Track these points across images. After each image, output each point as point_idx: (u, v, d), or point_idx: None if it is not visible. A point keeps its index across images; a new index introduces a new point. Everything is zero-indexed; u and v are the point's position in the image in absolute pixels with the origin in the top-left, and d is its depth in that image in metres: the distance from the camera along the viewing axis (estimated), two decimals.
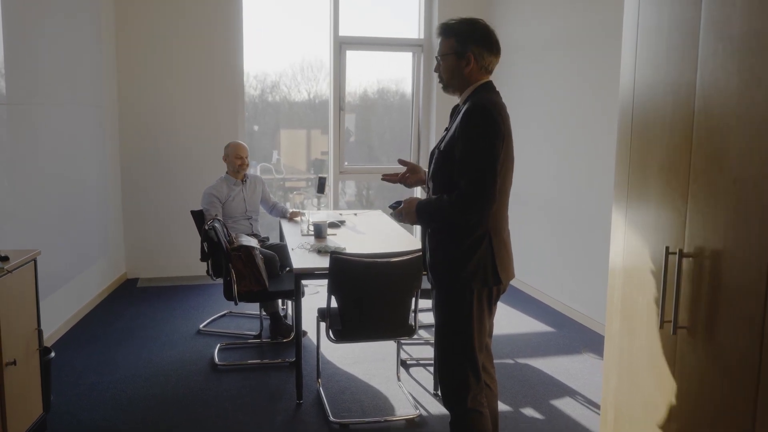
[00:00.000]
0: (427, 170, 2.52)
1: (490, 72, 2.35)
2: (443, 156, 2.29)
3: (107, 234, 5.43)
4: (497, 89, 2.36)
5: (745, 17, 1.60)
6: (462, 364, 2.34)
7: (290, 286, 3.95)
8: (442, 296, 2.35)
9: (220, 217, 4.37)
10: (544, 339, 4.49)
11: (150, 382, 3.70)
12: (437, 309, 2.39)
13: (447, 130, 2.36)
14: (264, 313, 4.48)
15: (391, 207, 2.47)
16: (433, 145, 2.48)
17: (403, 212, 2.39)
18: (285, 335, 4.34)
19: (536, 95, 5.44)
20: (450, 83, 2.37)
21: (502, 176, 2.26)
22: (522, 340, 4.47)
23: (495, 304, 2.40)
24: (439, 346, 2.41)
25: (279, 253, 4.35)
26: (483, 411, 2.37)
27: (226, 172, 4.69)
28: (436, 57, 2.42)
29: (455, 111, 2.39)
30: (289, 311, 4.81)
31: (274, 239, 4.96)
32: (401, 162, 2.68)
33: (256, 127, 6.73)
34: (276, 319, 4.37)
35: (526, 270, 5.60)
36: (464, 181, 2.18)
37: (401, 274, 3.12)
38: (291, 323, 4.45)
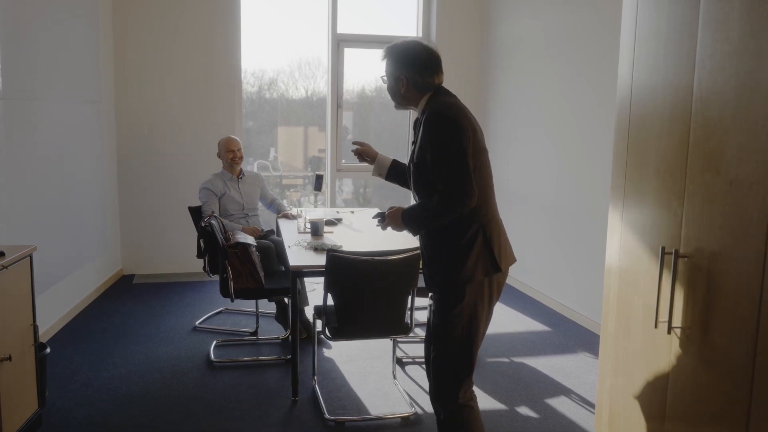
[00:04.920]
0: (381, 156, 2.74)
1: (432, 87, 2.42)
2: (418, 167, 2.37)
3: (104, 230, 5.42)
4: (452, 91, 2.45)
5: (744, 19, 1.61)
6: (459, 360, 2.36)
7: (287, 283, 3.95)
8: (443, 297, 2.36)
9: (217, 213, 4.37)
10: (540, 338, 4.50)
11: (145, 378, 3.70)
12: (437, 308, 2.39)
13: (414, 143, 2.44)
14: (272, 302, 4.47)
15: (375, 218, 2.57)
16: None
17: (389, 223, 2.49)
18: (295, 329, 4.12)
19: (534, 94, 5.44)
20: (395, 101, 2.50)
21: (479, 168, 2.32)
22: (518, 338, 4.48)
23: (495, 299, 2.41)
24: (438, 343, 2.40)
25: (275, 247, 4.34)
26: (474, 406, 2.41)
27: (222, 168, 4.70)
28: (381, 77, 2.52)
29: (417, 123, 2.47)
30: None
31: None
32: (356, 145, 2.80)
33: (250, 123, 6.72)
34: (282, 308, 4.36)
35: (523, 269, 5.61)
36: (442, 186, 2.26)
37: (398, 272, 3.12)
38: (308, 321, 4.35)
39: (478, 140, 2.35)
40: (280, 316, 4.39)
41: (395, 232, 2.54)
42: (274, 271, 4.21)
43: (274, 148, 6.78)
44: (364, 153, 2.76)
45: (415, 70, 2.38)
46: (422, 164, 2.33)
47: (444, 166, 2.25)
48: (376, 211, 5.04)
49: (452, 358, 2.37)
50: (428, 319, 2.60)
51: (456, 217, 2.29)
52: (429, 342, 2.55)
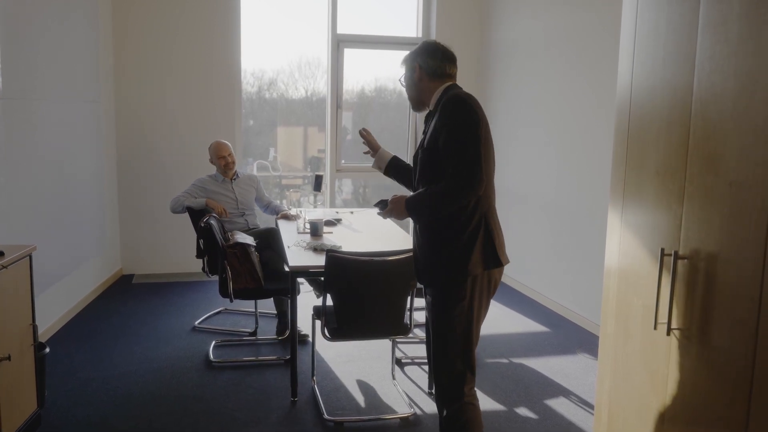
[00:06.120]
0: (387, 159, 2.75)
1: (446, 77, 2.48)
2: (428, 153, 2.37)
3: (103, 230, 5.42)
4: (480, 88, 2.50)
5: (742, 21, 1.61)
6: (461, 358, 2.36)
7: (286, 284, 3.95)
8: (442, 293, 2.36)
9: (188, 203, 4.44)
10: (539, 339, 4.50)
11: (145, 378, 3.70)
12: (436, 306, 2.38)
13: (425, 133, 2.46)
14: (276, 311, 4.46)
15: (377, 206, 2.53)
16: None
17: (392, 210, 2.46)
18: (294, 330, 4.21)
19: (534, 94, 5.44)
20: (413, 97, 2.54)
21: (485, 159, 2.33)
22: (517, 339, 4.48)
23: (492, 295, 2.42)
24: (439, 342, 2.40)
25: (269, 238, 4.30)
26: (476, 404, 2.42)
27: (216, 171, 4.73)
28: (399, 80, 2.60)
29: (429, 116, 2.49)
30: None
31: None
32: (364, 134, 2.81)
33: (251, 122, 6.72)
34: (284, 318, 4.37)
35: (523, 269, 5.61)
36: (452, 169, 2.26)
37: (397, 272, 3.12)
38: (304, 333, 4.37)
39: (488, 133, 2.37)
40: (282, 328, 4.38)
41: (395, 232, 2.53)
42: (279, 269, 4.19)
43: (273, 148, 6.78)
44: (368, 141, 2.80)
45: (429, 56, 2.45)
46: (433, 150, 2.33)
47: (458, 150, 2.25)
48: (375, 210, 5.04)
49: (455, 355, 2.36)
50: (426, 319, 2.60)
51: (463, 203, 2.29)
52: (430, 341, 2.55)
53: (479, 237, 2.31)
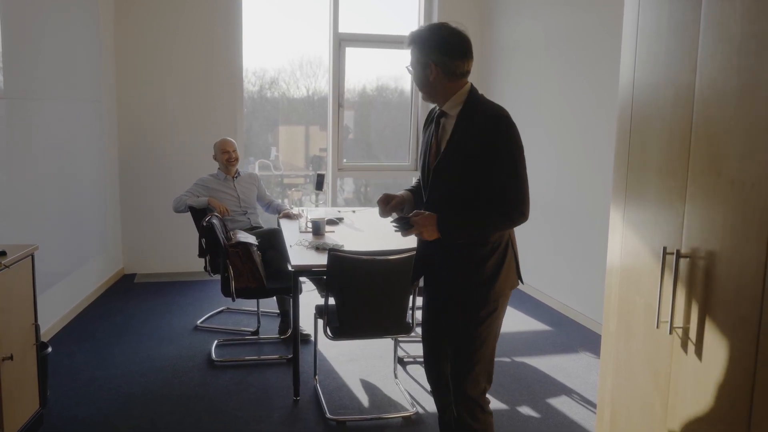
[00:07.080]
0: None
1: (463, 75, 2.23)
2: (452, 167, 2.19)
3: (105, 229, 5.42)
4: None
5: (745, 19, 1.61)
6: (487, 372, 2.33)
7: (288, 283, 3.95)
8: (469, 309, 2.26)
9: (192, 203, 4.45)
10: (542, 337, 4.50)
11: (147, 377, 3.70)
12: (461, 322, 2.28)
13: (437, 137, 2.27)
14: (278, 310, 4.47)
15: (396, 223, 2.23)
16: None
17: (419, 231, 2.19)
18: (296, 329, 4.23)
19: (534, 94, 5.44)
20: (424, 92, 2.29)
21: None
22: (519, 338, 4.48)
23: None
24: (469, 358, 2.28)
25: (272, 238, 4.32)
26: (491, 411, 2.40)
27: (218, 170, 4.73)
28: (407, 68, 2.31)
29: (438, 118, 2.30)
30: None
31: None
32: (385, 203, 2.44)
33: (251, 123, 6.74)
34: (286, 317, 4.37)
35: (524, 268, 5.57)
36: (512, 192, 2.14)
37: (399, 271, 3.12)
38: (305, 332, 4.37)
39: None
40: (285, 326, 4.38)
41: (392, 230, 2.34)
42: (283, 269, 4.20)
43: (275, 147, 6.78)
44: (394, 206, 2.41)
45: (445, 55, 2.17)
46: (456, 161, 2.18)
47: (516, 177, 2.13)
48: (377, 210, 5.02)
49: (483, 369, 2.31)
50: (427, 323, 2.53)
51: (509, 228, 2.23)
52: (436, 350, 2.46)
53: (507, 257, 2.26)
